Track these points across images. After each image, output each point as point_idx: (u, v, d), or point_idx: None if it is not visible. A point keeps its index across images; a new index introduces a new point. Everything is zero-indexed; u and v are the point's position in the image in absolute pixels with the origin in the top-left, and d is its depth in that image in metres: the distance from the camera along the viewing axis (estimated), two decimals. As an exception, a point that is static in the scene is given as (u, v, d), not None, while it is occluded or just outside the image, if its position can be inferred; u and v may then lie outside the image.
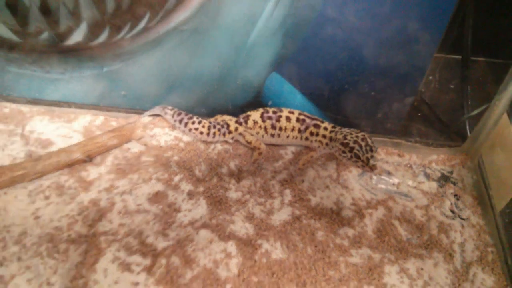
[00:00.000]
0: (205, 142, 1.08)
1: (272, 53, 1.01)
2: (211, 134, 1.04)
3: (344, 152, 0.95)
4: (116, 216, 0.92)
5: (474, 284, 0.86)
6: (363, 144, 0.93)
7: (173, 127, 1.10)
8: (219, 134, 1.04)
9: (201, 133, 1.04)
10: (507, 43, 1.05)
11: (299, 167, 1.04)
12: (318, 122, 1.03)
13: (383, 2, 0.92)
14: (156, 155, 1.04)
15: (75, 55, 1.04)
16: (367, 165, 0.92)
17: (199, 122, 1.04)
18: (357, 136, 0.95)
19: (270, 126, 1.04)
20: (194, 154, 1.05)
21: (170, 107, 1.07)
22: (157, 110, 1.08)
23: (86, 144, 1.02)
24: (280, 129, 1.04)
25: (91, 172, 1.00)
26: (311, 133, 1.03)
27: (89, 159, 1.01)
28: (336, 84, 1.06)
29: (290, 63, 1.04)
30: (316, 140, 1.03)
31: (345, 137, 0.95)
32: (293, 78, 1.06)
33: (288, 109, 1.04)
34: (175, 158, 1.04)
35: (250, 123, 1.04)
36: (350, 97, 1.08)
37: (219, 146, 1.07)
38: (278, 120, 1.03)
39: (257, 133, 1.04)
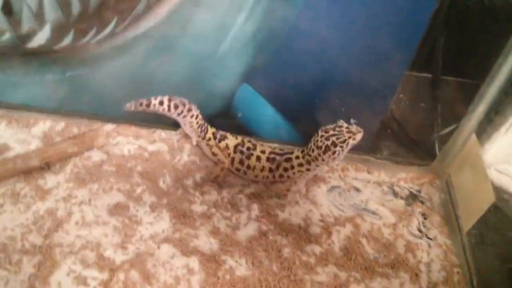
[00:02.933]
0: (172, 149, 1.04)
1: (243, 64, 0.99)
2: (200, 131, 0.99)
3: (334, 152, 0.90)
4: (73, 227, 0.88)
5: (440, 305, 0.85)
6: (331, 132, 0.90)
7: (138, 136, 1.06)
8: (200, 133, 0.99)
9: (192, 126, 0.98)
10: (477, 64, 1.06)
11: (283, 194, 1.00)
12: (289, 155, 0.98)
13: (355, 18, 0.92)
14: (118, 165, 0.99)
15: (38, 58, 1.00)
16: (355, 133, 0.89)
17: (196, 116, 0.97)
18: (321, 136, 0.91)
19: (238, 160, 0.99)
20: (158, 165, 1.01)
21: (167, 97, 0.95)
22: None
23: (45, 150, 0.97)
24: (248, 167, 0.98)
25: (49, 180, 0.95)
26: (285, 169, 0.98)
27: (47, 166, 0.96)
28: (307, 98, 1.05)
29: (262, 75, 1.03)
30: (294, 173, 0.98)
31: (318, 147, 0.91)
32: (264, 91, 1.05)
33: (262, 147, 0.99)
34: (139, 168, 1.00)
35: (222, 144, 1.00)
36: (320, 111, 1.07)
37: (185, 157, 1.04)
38: (248, 158, 0.98)
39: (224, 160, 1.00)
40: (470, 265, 0.91)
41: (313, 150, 0.93)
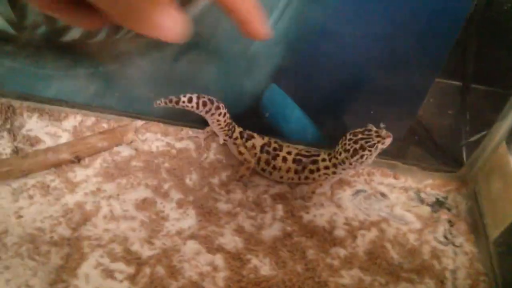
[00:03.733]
0: (199, 147, 1.05)
1: (272, 64, 1.00)
2: (227, 130, 0.99)
3: (362, 156, 0.89)
4: (101, 220, 0.89)
5: (466, 314, 0.84)
6: (360, 136, 0.89)
7: (166, 133, 1.07)
8: (227, 132, 0.99)
9: (219, 125, 0.97)
10: (508, 73, 1.04)
11: (308, 196, 1.00)
12: (315, 158, 0.97)
13: (386, 21, 0.91)
14: (146, 161, 1.01)
15: (71, 52, 1.02)
16: (385, 138, 0.89)
17: (224, 115, 0.96)
18: (350, 139, 0.91)
19: (264, 160, 0.98)
20: (185, 162, 1.02)
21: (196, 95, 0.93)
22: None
23: (75, 144, 0.99)
24: (274, 167, 0.98)
25: (78, 173, 0.97)
26: (311, 171, 0.97)
27: (77, 160, 0.98)
28: (334, 101, 1.05)
29: (290, 76, 1.03)
30: (320, 175, 0.97)
31: (346, 150, 0.91)
32: (292, 92, 1.05)
33: (288, 148, 0.99)
34: (166, 165, 1.01)
35: (249, 144, 0.99)
36: (348, 115, 1.07)
37: (211, 156, 1.05)
38: (274, 158, 0.98)
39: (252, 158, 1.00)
40: (497, 274, 0.89)
41: (340, 153, 0.92)
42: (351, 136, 0.91)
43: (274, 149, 0.98)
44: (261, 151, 0.98)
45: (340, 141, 0.94)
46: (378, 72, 1.00)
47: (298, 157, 0.98)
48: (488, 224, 0.96)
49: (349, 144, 0.90)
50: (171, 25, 0.32)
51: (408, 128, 1.06)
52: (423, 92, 1.01)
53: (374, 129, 0.91)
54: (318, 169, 0.97)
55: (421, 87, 1.00)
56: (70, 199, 0.92)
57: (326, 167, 0.96)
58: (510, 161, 0.92)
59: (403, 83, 1.00)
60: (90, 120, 1.08)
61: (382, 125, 0.93)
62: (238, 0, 0.35)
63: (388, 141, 0.90)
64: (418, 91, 1.01)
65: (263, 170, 1.00)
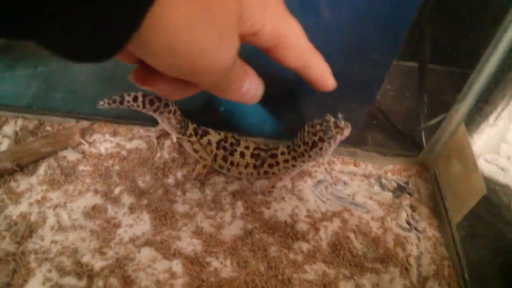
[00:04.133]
0: (151, 146, 1.00)
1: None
2: (180, 128, 0.94)
3: (321, 148, 0.86)
4: (48, 232, 0.84)
5: (431, 301, 0.83)
6: (318, 127, 0.86)
7: (115, 134, 1.01)
8: (180, 129, 0.94)
9: (170, 123, 0.92)
10: (465, 52, 1.03)
11: (269, 191, 0.96)
12: (274, 151, 0.94)
13: (341, 8, 0.88)
14: (94, 164, 0.95)
15: (7, 53, 0.95)
16: (343, 129, 0.86)
17: (174, 112, 0.91)
18: (308, 131, 0.87)
19: (221, 157, 0.94)
20: (137, 163, 0.96)
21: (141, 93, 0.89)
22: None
23: (17, 151, 0.92)
24: (232, 163, 0.94)
25: (21, 182, 0.91)
26: (270, 165, 0.94)
27: (19, 168, 0.91)
28: (292, 92, 1.01)
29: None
30: (280, 169, 0.94)
31: (305, 143, 0.87)
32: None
33: (246, 143, 0.96)
34: (116, 167, 0.95)
35: (204, 140, 0.95)
36: (306, 105, 1.04)
37: (165, 155, 1.00)
38: (231, 154, 0.94)
39: (208, 155, 0.95)
40: (461, 258, 0.89)
41: (299, 146, 0.89)
42: (309, 128, 0.88)
43: (231, 144, 0.94)
44: (218, 148, 0.94)
45: (299, 134, 0.90)
46: (334, 60, 0.96)
47: (256, 151, 0.94)
48: (450, 207, 0.95)
49: (307, 137, 0.87)
50: (255, 90, 0.38)
51: (367, 114, 1.04)
52: (381, 76, 0.99)
53: (332, 119, 0.88)
54: (277, 163, 0.93)
55: (379, 72, 0.97)
56: (14, 211, 0.86)
57: (286, 161, 0.93)
58: (469, 143, 0.91)
59: (360, 70, 0.97)
60: (32, 124, 1.01)
61: (340, 115, 0.90)
62: (314, 67, 0.41)
63: (347, 131, 0.87)
64: (375, 77, 0.98)
65: (221, 167, 0.96)
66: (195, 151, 0.95)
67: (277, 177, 0.95)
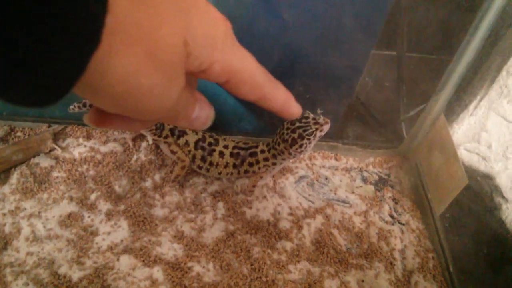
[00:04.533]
0: (127, 149, 0.97)
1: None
2: (155, 129, 0.91)
3: (301, 145, 0.84)
4: (23, 243, 0.80)
5: (417, 294, 0.83)
6: (297, 124, 0.84)
7: (88, 137, 0.98)
8: (155, 131, 0.91)
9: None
10: (443, 39, 1.02)
11: (250, 190, 0.94)
12: (253, 150, 0.92)
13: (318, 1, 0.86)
14: (69, 170, 0.92)
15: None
16: (323, 125, 0.84)
17: None
18: (287, 128, 0.85)
19: (199, 157, 0.92)
20: (113, 167, 0.93)
21: None
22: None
23: (-14, 160, 0.89)
24: (211, 164, 0.92)
25: (-7, 192, 0.87)
26: (250, 164, 0.92)
27: (-11, 177, 0.87)
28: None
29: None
30: (260, 168, 0.92)
31: (285, 140, 0.85)
32: (223, 80, 0.98)
33: (224, 142, 0.93)
34: (91, 172, 0.92)
35: (181, 141, 0.92)
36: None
37: (142, 157, 0.97)
38: (210, 154, 0.91)
39: (186, 155, 0.93)
40: (445, 249, 0.89)
41: (279, 144, 0.87)
42: (288, 125, 0.86)
43: (210, 144, 0.92)
44: (196, 148, 0.92)
45: (278, 131, 0.88)
46: (312, 52, 0.94)
47: (236, 150, 0.92)
48: (433, 199, 0.95)
49: (287, 134, 0.85)
50: (205, 116, 0.38)
51: (347, 107, 1.03)
52: (360, 67, 0.97)
53: (312, 116, 0.86)
54: (257, 162, 0.91)
55: (358, 62, 0.96)
56: (-14, 223, 0.83)
57: (266, 159, 0.91)
58: (449, 133, 0.90)
59: (339, 62, 0.96)
60: (2, 130, 0.97)
61: (319, 111, 0.88)
62: (273, 98, 0.41)
63: (327, 127, 0.85)
64: (354, 67, 0.97)
65: (200, 167, 0.93)
66: (173, 152, 0.92)
67: (257, 176, 0.93)
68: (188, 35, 0.31)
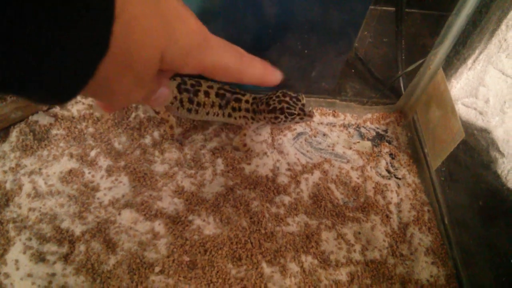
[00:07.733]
0: (125, 106, 0.97)
1: (194, 6, 0.91)
2: None
3: (276, 117, 0.86)
4: (25, 199, 0.82)
5: (412, 245, 0.85)
6: (288, 99, 0.86)
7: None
8: None
9: None
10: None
11: (245, 150, 0.95)
12: (239, 96, 0.92)
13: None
14: (68, 127, 0.92)
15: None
16: (305, 115, 0.85)
17: None
18: (277, 96, 0.87)
19: (187, 100, 0.91)
20: (112, 124, 0.94)
21: None
22: None
23: (-16, 118, 0.89)
24: (198, 104, 0.91)
25: (-7, 150, 0.88)
26: (233, 108, 0.92)
27: (-11, 135, 0.88)
28: (267, 42, 0.98)
29: (216, 20, 0.94)
30: (240, 117, 0.93)
31: (268, 104, 0.87)
32: (220, 35, 0.97)
33: (208, 83, 0.92)
34: (90, 129, 0.92)
35: None
36: (282, 56, 1.01)
37: (141, 114, 0.97)
38: (195, 95, 0.91)
39: (172, 103, 0.91)
40: (441, 203, 0.90)
41: (262, 103, 0.88)
42: (279, 95, 0.87)
43: (192, 85, 0.91)
44: (180, 92, 0.90)
45: (270, 93, 0.89)
46: (309, 8, 0.93)
47: (221, 91, 0.92)
48: (429, 153, 0.96)
49: (272, 100, 0.87)
50: (163, 99, 0.42)
51: (345, 63, 1.02)
52: (358, 23, 0.96)
53: (303, 102, 0.87)
54: (239, 108, 0.92)
55: (355, 18, 0.94)
56: (-13, 180, 0.84)
57: (247, 110, 0.92)
58: (447, 88, 0.90)
59: (336, 17, 0.94)
60: None
61: (310, 108, 0.88)
62: (249, 74, 0.44)
63: (306, 119, 0.87)
64: (353, 23, 0.96)
65: (189, 110, 0.92)
66: (156, 112, 0.92)
67: (241, 134, 0.94)
68: (166, 48, 0.35)
